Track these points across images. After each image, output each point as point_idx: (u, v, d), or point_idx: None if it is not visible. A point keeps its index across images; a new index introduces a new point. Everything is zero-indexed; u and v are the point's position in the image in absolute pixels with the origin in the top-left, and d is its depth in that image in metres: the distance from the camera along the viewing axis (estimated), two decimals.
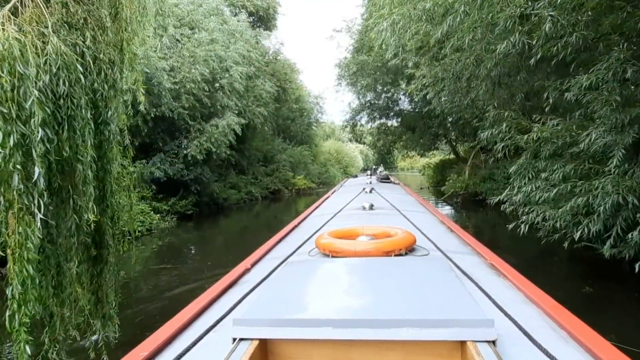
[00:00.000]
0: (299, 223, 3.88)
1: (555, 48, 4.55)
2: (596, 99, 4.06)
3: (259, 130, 19.93)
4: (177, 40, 12.95)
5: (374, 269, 1.70)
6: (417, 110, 19.68)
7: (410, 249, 2.19)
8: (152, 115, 11.61)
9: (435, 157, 28.11)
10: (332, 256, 2.11)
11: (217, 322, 1.43)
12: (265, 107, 18.29)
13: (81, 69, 2.44)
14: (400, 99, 18.61)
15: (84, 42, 2.71)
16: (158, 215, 11.61)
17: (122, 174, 3.61)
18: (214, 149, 12.85)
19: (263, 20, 23.23)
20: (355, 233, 2.43)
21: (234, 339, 1.21)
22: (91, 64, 2.69)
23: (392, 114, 19.74)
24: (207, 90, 13.09)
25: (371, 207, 3.99)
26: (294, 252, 2.43)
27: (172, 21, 11.67)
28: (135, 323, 4.44)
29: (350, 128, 23.57)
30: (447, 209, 13.56)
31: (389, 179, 9.77)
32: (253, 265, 2.34)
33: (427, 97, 8.37)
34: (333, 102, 67.85)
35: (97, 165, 2.85)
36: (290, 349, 1.24)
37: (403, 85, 12.37)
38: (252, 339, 1.19)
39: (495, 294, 1.55)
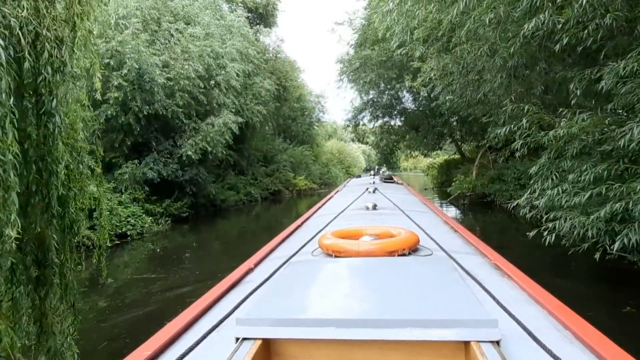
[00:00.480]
0: (302, 223, 3.82)
1: (585, 32, 3.98)
2: (637, 89, 3.49)
3: (259, 129, 19.43)
4: (171, 34, 12.43)
5: (377, 269, 1.68)
6: (420, 109, 19.13)
7: (413, 249, 2.17)
8: (145, 113, 11.10)
9: (439, 157, 27.55)
10: (335, 256, 2.09)
11: (221, 321, 1.41)
12: (264, 106, 17.76)
13: (3, 44, 1.91)
14: (404, 96, 18.05)
15: (19, 14, 2.19)
16: (150, 218, 11.09)
17: (87, 177, 3.06)
18: (209, 149, 12.31)
19: (263, 17, 22.71)
20: (359, 233, 2.40)
21: (237, 339, 1.19)
22: (26, 40, 2.16)
23: (395, 112, 19.17)
24: (203, 87, 12.57)
25: (374, 207, 3.93)
26: (297, 252, 2.40)
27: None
28: (101, 349, 3.88)
29: (353, 127, 22.99)
30: (453, 211, 12.96)
31: (392, 179, 9.61)
32: (256, 265, 2.31)
33: (434, 92, 7.77)
34: (335, 102, 66.88)
35: (37, 167, 2.33)
36: (294, 348, 1.23)
37: (407, 83, 11.74)
38: (255, 339, 1.18)
39: (499, 294, 1.53)
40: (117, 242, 9.10)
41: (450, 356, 1.16)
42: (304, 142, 27.43)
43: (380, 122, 19.92)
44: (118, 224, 9.40)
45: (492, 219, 11.47)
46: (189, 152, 11.90)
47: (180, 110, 11.89)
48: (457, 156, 21.41)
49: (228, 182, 17.68)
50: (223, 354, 1.13)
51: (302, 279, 1.61)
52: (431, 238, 2.49)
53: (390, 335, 1.13)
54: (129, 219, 9.98)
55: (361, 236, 2.28)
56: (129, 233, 9.58)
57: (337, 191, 7.52)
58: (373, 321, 1.17)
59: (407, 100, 19.45)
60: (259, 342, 1.16)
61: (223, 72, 13.15)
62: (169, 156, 12.10)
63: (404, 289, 1.43)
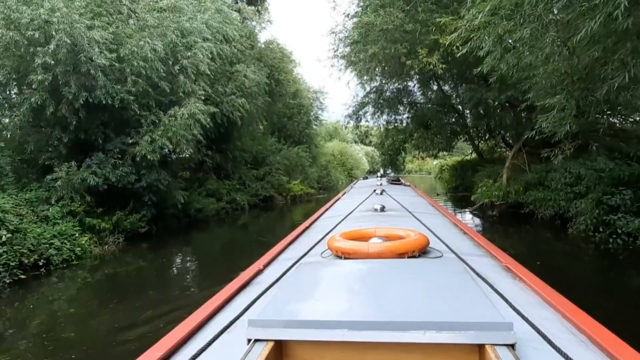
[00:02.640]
0: (310, 224, 3.78)
1: None
2: None
3: (245, 127, 16.94)
4: (124, 4, 9.96)
5: (387, 270, 1.65)
6: (429, 104, 16.59)
7: (423, 251, 2.12)
8: (82, 102, 8.60)
9: (447, 157, 24.95)
10: (345, 258, 2.07)
11: (231, 322, 1.42)
12: (251, 99, 15.26)
13: None
14: (412, 87, 15.50)
15: None
16: (90, 236, 8.57)
17: None
18: (171, 146, 9.81)
19: (252, 3, 20.27)
20: (368, 235, 2.39)
21: (249, 340, 1.17)
22: None
23: (402, 106, 16.57)
24: (165, 71, 10.10)
25: (382, 208, 3.87)
26: (306, 253, 2.39)
27: None
28: None
29: (354, 126, 20.40)
30: (479, 226, 10.32)
31: (399, 180, 9.15)
32: (265, 266, 2.30)
33: (479, 52, 5.17)
34: (337, 101, 64.21)
35: None
36: (305, 350, 1.21)
37: (422, 59, 9.17)
38: (267, 340, 1.16)
39: (511, 296, 1.49)
40: (21, 276, 6.53)
41: (464, 359, 1.12)
42: (300, 142, 24.93)
43: (385, 117, 17.32)
44: (31, 249, 6.85)
45: (534, 240, 8.80)
46: (144, 151, 9.38)
47: (133, 98, 9.38)
48: (469, 157, 18.83)
49: (208, 187, 15.19)
50: (235, 355, 1.11)
51: (312, 281, 1.59)
52: (440, 240, 2.42)
53: (402, 337, 1.11)
54: (52, 241, 7.45)
55: (370, 238, 2.26)
56: (41, 263, 6.99)
57: (345, 192, 7.46)
58: (385, 323, 1.14)
59: (416, 94, 16.95)
60: (271, 344, 1.14)
61: (190, 53, 10.65)
62: (119, 157, 9.58)
63: (416, 291, 1.38)
